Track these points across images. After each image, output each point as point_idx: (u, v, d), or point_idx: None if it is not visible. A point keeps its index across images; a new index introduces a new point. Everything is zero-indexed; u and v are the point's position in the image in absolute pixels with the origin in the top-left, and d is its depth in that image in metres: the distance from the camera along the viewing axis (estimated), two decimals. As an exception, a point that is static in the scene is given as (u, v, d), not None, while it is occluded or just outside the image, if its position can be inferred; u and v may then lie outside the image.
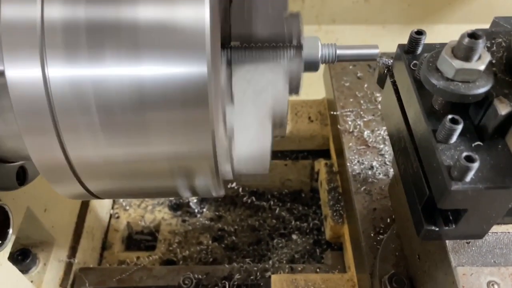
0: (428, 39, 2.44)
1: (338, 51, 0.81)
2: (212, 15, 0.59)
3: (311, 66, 0.80)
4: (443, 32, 2.16)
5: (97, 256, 1.39)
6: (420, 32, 0.72)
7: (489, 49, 0.67)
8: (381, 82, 0.84)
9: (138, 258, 1.38)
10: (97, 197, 0.77)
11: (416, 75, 0.70)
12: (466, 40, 0.57)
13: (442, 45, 0.74)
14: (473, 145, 0.62)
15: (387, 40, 2.18)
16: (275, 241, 1.42)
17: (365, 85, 1.34)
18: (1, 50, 0.57)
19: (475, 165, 0.56)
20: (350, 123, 1.24)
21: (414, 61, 0.72)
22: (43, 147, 0.63)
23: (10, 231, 0.91)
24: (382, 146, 1.19)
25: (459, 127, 0.60)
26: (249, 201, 1.48)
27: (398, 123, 0.76)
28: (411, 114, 0.71)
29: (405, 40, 2.37)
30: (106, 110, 0.60)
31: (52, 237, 1.16)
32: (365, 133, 1.22)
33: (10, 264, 0.96)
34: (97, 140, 0.63)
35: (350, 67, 1.39)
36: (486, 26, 2.34)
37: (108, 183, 0.72)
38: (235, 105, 0.72)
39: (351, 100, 1.31)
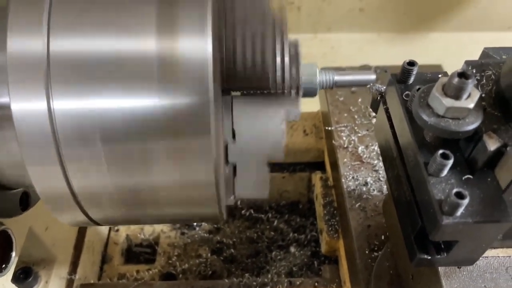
0: (423, 47, 2.44)
1: (336, 77, 0.84)
2: (214, 46, 0.60)
3: (309, 92, 0.82)
4: (438, 40, 2.18)
5: (97, 270, 1.41)
6: (412, 63, 0.74)
7: (478, 82, 0.69)
8: (374, 107, 0.86)
9: (138, 271, 1.40)
10: (99, 224, 0.79)
11: (408, 106, 0.72)
12: (456, 80, 0.59)
13: (434, 74, 0.77)
14: (463, 178, 0.64)
15: (383, 48, 2.21)
16: (273, 253, 1.44)
17: (359, 100, 1.36)
18: (7, 82, 0.59)
19: (465, 202, 0.58)
20: (344, 138, 1.26)
21: (407, 92, 0.74)
22: (47, 178, 0.65)
23: (13, 254, 0.93)
24: (376, 161, 1.21)
25: (450, 162, 0.62)
26: (247, 213, 1.50)
27: (391, 151, 0.78)
28: (404, 144, 0.73)
29: (399, 48, 2.39)
30: (110, 141, 0.62)
31: (53, 254, 1.18)
32: (360, 148, 1.24)
33: (13, 286, 0.98)
34: (101, 170, 0.65)
35: (345, 81, 1.41)
36: (481, 34, 2.35)
37: (110, 212, 0.74)
38: (236, 143, 0.74)
39: (345, 114, 1.33)
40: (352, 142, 1.26)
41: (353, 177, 1.18)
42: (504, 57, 0.73)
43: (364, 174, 1.19)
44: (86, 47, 0.60)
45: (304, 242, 1.47)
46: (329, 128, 1.30)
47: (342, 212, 1.18)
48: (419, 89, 0.71)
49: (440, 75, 0.77)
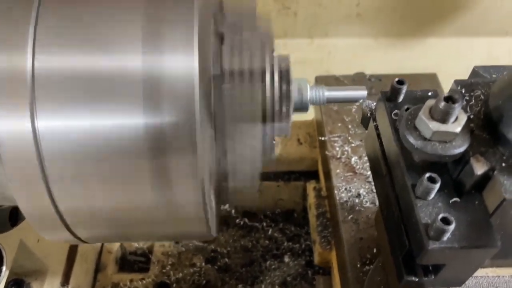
0: (420, 52, 2.43)
1: (327, 93, 0.83)
2: (201, 62, 0.60)
3: (300, 108, 0.82)
4: (435, 46, 2.17)
5: (91, 279, 1.40)
6: (401, 82, 0.74)
7: (467, 102, 0.69)
8: (364, 123, 0.85)
9: (131, 280, 1.40)
10: (87, 242, 0.78)
11: (397, 126, 0.72)
12: (442, 104, 0.59)
13: (424, 92, 0.76)
14: (450, 201, 0.64)
15: (379, 53, 2.20)
16: (268, 262, 1.44)
17: (353, 109, 1.35)
18: None
19: (451, 227, 0.58)
20: (337, 148, 1.26)
21: (396, 110, 0.74)
22: (31, 198, 0.64)
23: (4, 268, 0.92)
24: (369, 173, 1.20)
25: (437, 186, 0.62)
26: (242, 222, 1.50)
27: (380, 168, 0.77)
28: (392, 164, 0.72)
29: (396, 53, 2.37)
30: (95, 161, 0.61)
31: (45, 266, 1.18)
32: (353, 159, 1.23)
33: (4, 300, 0.98)
34: (87, 189, 0.64)
35: (339, 90, 1.40)
36: (478, 39, 2.35)
37: (98, 231, 0.74)
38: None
39: (339, 124, 1.33)
40: (345, 152, 1.25)
41: (345, 189, 1.18)
42: (494, 76, 0.73)
43: (357, 186, 1.19)
44: (72, 66, 0.59)
45: (299, 252, 1.47)
46: (323, 138, 1.29)
47: (335, 224, 1.18)
48: (407, 109, 0.70)
49: (430, 93, 0.77)
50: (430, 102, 0.63)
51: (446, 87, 2.35)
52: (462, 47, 2.18)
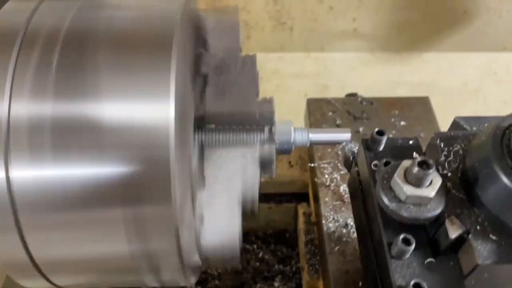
0: (416, 66, 2.42)
1: (311, 135, 0.83)
2: (179, 110, 0.59)
3: (283, 150, 0.82)
4: (432, 60, 2.16)
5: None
6: (381, 133, 0.73)
7: (446, 157, 0.68)
8: (347, 166, 0.85)
9: (121, 302, 1.40)
10: None
11: (376, 178, 0.71)
12: (416, 169, 0.59)
13: (405, 140, 0.76)
14: (426, 261, 0.63)
15: (376, 67, 2.19)
16: (258, 285, 1.44)
17: (344, 134, 1.35)
18: None
19: (423, 294, 0.58)
20: (327, 176, 1.26)
21: (375, 161, 0.73)
22: (5, 247, 0.64)
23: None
24: (358, 203, 1.20)
25: (411, 248, 0.61)
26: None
27: (361, 218, 0.77)
28: (371, 217, 0.72)
29: (393, 67, 2.36)
30: (69, 209, 0.61)
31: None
32: (341, 187, 1.23)
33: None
34: (61, 238, 0.64)
35: (330, 113, 1.40)
36: (475, 54, 2.33)
37: (74, 278, 0.74)
38: (206, 190, 0.74)
39: (329, 150, 1.32)
40: (335, 180, 1.25)
41: (333, 218, 1.18)
42: (474, 128, 0.72)
43: (345, 215, 1.18)
44: (46, 114, 0.59)
45: (289, 274, 1.47)
46: (312, 165, 1.29)
47: (322, 254, 1.17)
48: (386, 163, 0.70)
49: (411, 141, 0.77)
50: (405, 164, 0.62)
51: (443, 101, 2.34)
52: (459, 62, 2.17)
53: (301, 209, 1.38)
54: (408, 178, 0.61)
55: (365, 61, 2.17)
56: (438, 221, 0.63)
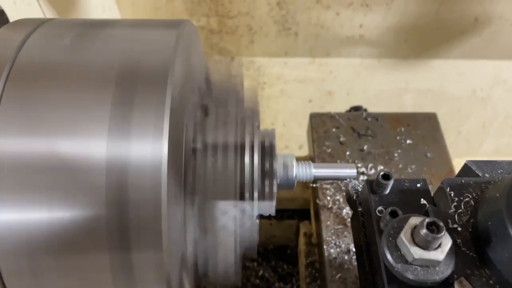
0: (424, 73, 2.37)
1: (314, 170, 0.80)
2: (173, 144, 0.57)
3: (286, 185, 0.78)
4: (440, 67, 2.11)
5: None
6: (387, 177, 0.69)
7: (456, 209, 0.64)
8: (350, 204, 0.81)
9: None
10: None
11: (381, 227, 0.68)
12: (424, 231, 0.55)
13: (412, 183, 0.72)
14: (431, 324, 0.60)
15: (382, 74, 2.14)
16: (256, 304, 1.41)
17: (347, 152, 1.31)
18: None
19: None
20: (329, 198, 1.22)
21: (380, 207, 0.69)
22: None
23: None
24: (361, 228, 1.16)
25: (416, 311, 0.58)
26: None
27: (363, 262, 0.73)
28: (374, 268, 0.68)
29: (400, 74, 2.31)
30: (52, 255, 0.58)
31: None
32: (344, 210, 1.19)
33: None
34: (44, 284, 0.61)
35: (333, 129, 1.35)
36: (485, 62, 2.28)
37: None
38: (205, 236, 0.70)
39: (332, 170, 1.28)
40: (337, 202, 1.21)
41: (335, 243, 1.14)
42: (486, 175, 0.68)
43: (347, 240, 1.15)
44: (29, 153, 0.56)
45: (289, 293, 1.44)
46: (314, 185, 1.25)
47: (322, 280, 1.14)
48: (392, 213, 0.66)
49: (419, 184, 0.73)
50: (412, 221, 0.58)
51: (450, 110, 2.29)
52: (468, 70, 2.12)
53: (303, 229, 1.35)
54: (415, 238, 0.57)
55: (371, 68, 2.12)
56: (447, 282, 0.59)
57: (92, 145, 0.56)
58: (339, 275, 1.09)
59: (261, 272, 1.47)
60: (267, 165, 0.74)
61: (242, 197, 0.71)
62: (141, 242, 0.58)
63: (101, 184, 0.55)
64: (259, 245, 1.55)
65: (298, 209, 1.46)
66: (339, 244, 1.14)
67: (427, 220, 0.55)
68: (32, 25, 0.67)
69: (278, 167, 0.77)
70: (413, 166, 1.23)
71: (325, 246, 1.13)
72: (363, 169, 1.26)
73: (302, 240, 1.30)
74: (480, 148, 2.17)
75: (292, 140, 2.22)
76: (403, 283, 0.61)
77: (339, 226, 1.17)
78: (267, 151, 0.75)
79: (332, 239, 1.15)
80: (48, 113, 0.57)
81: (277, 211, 1.46)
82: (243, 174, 0.71)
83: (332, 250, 1.13)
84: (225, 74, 0.77)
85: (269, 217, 1.48)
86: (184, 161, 0.63)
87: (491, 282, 0.58)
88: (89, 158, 0.56)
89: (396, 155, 1.26)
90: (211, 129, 0.72)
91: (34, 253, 0.58)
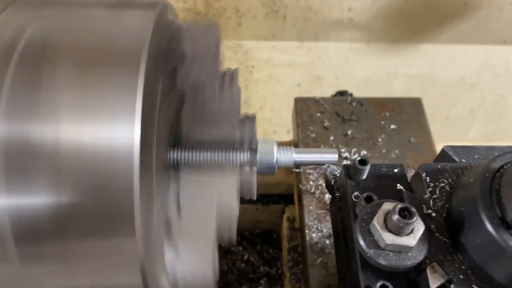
0: (413, 58, 2.35)
1: (295, 155, 0.78)
2: (146, 132, 0.55)
3: (266, 170, 0.77)
4: (429, 52, 2.10)
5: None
6: (364, 162, 0.68)
7: (431, 194, 0.64)
8: (329, 189, 0.80)
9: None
10: None
11: (357, 212, 0.67)
12: (396, 217, 0.54)
13: (389, 168, 0.71)
14: (403, 309, 0.60)
15: (371, 58, 2.13)
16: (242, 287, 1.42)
17: (331, 137, 1.30)
18: None
19: None
20: (312, 182, 1.21)
21: (357, 192, 0.69)
22: None
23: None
24: (343, 213, 1.16)
25: (388, 297, 0.57)
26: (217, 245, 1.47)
27: (340, 249, 0.73)
28: (350, 254, 0.68)
29: (389, 58, 2.29)
30: (23, 241, 0.57)
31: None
32: (327, 195, 1.19)
33: None
34: (15, 272, 0.60)
35: (318, 114, 1.34)
36: (474, 46, 2.27)
37: None
38: (181, 219, 0.69)
39: (316, 155, 1.27)
40: (320, 187, 1.20)
41: (317, 228, 1.14)
42: (463, 160, 0.67)
43: (329, 225, 1.14)
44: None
45: (275, 277, 1.45)
46: (297, 170, 1.24)
47: (304, 264, 1.14)
48: (367, 198, 0.65)
49: (396, 169, 0.72)
50: (386, 207, 0.58)
51: (439, 95, 2.28)
52: (457, 55, 2.11)
53: (287, 213, 1.34)
54: (388, 224, 0.56)
55: (360, 52, 2.10)
56: (419, 267, 0.59)
57: (58, 129, 0.54)
58: (320, 259, 1.09)
59: (246, 256, 1.47)
60: (247, 146, 0.72)
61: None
62: (114, 229, 0.56)
63: (70, 169, 0.54)
64: (245, 229, 1.56)
65: (284, 194, 1.45)
66: (320, 228, 1.14)
67: (399, 205, 0.54)
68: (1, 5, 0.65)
69: (259, 152, 0.75)
70: (397, 151, 1.22)
71: (307, 231, 1.13)
72: (346, 154, 1.25)
73: (285, 224, 1.30)
74: (467, 133, 2.17)
75: (280, 125, 2.20)
76: (376, 268, 0.60)
77: (321, 211, 1.17)
78: (247, 138, 0.73)
79: (314, 223, 1.15)
80: (13, 95, 0.55)
81: (262, 196, 1.47)
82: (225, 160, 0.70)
83: (313, 235, 1.13)
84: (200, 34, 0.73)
85: (255, 202, 1.48)
86: (156, 145, 0.62)
87: (463, 267, 0.58)
88: (57, 142, 0.54)
89: (380, 140, 1.25)
90: (189, 118, 0.70)
91: (2, 242, 0.56)
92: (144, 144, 0.54)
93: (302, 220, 1.17)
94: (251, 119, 0.76)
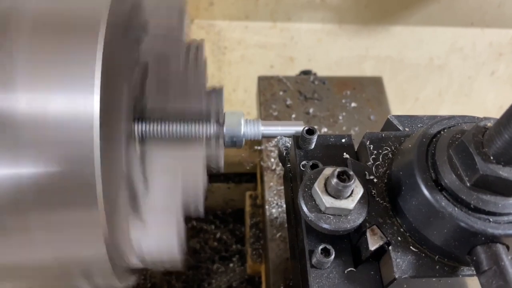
0: (384, 39, 2.36)
1: (262, 128, 0.78)
2: (107, 101, 0.54)
3: (233, 143, 0.77)
4: (400, 34, 2.11)
5: None
6: (311, 132, 0.69)
7: (374, 161, 0.65)
8: (281, 161, 0.81)
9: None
10: None
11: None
12: (335, 180, 0.55)
13: (337, 138, 0.72)
14: (346, 271, 0.61)
15: (343, 39, 2.13)
16: (215, 265, 1.43)
17: (293, 115, 1.30)
18: None
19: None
20: (273, 160, 1.22)
21: (305, 161, 0.70)
22: None
23: None
24: (305, 188, 1.18)
25: (330, 259, 0.59)
26: (189, 224, 1.48)
27: (290, 218, 0.74)
28: (297, 221, 0.69)
29: (360, 40, 2.30)
30: None
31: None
32: (290, 172, 1.20)
33: None
34: None
35: (281, 93, 1.35)
36: (443, 29, 2.29)
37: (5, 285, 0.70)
38: (148, 192, 0.69)
39: (279, 132, 1.28)
40: (281, 164, 1.21)
41: (277, 204, 1.15)
42: (407, 129, 0.69)
43: (291, 201, 1.16)
44: None
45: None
46: (259, 148, 1.25)
47: (264, 239, 1.16)
48: (313, 166, 0.66)
49: (344, 139, 0.73)
50: (326, 172, 0.59)
51: (408, 77, 2.29)
52: (426, 36, 2.13)
53: (248, 192, 1.35)
54: (328, 188, 0.57)
55: (332, 33, 2.10)
56: (360, 230, 0.60)
57: (15, 97, 0.54)
58: (280, 233, 1.10)
59: (218, 235, 1.48)
60: (213, 123, 0.72)
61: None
62: (76, 201, 0.56)
63: (29, 139, 0.53)
64: (217, 208, 1.57)
65: (253, 173, 1.46)
66: (280, 204, 1.15)
67: (338, 169, 0.56)
68: None
69: (226, 125, 0.75)
70: (356, 129, 1.24)
71: (267, 206, 1.14)
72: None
73: (248, 201, 1.31)
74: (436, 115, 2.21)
75: (253, 107, 2.20)
76: (320, 233, 0.62)
77: (282, 187, 1.18)
78: (215, 110, 0.73)
79: (274, 199, 1.16)
80: None
81: (234, 175, 1.47)
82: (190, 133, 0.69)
83: (273, 210, 1.14)
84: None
85: (227, 181, 1.48)
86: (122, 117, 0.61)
87: (401, 230, 0.60)
88: (14, 111, 0.53)
89: (340, 118, 1.27)
90: (152, 91, 0.69)
91: None
92: (106, 113, 0.54)
93: (263, 196, 1.18)
94: (218, 91, 0.75)
